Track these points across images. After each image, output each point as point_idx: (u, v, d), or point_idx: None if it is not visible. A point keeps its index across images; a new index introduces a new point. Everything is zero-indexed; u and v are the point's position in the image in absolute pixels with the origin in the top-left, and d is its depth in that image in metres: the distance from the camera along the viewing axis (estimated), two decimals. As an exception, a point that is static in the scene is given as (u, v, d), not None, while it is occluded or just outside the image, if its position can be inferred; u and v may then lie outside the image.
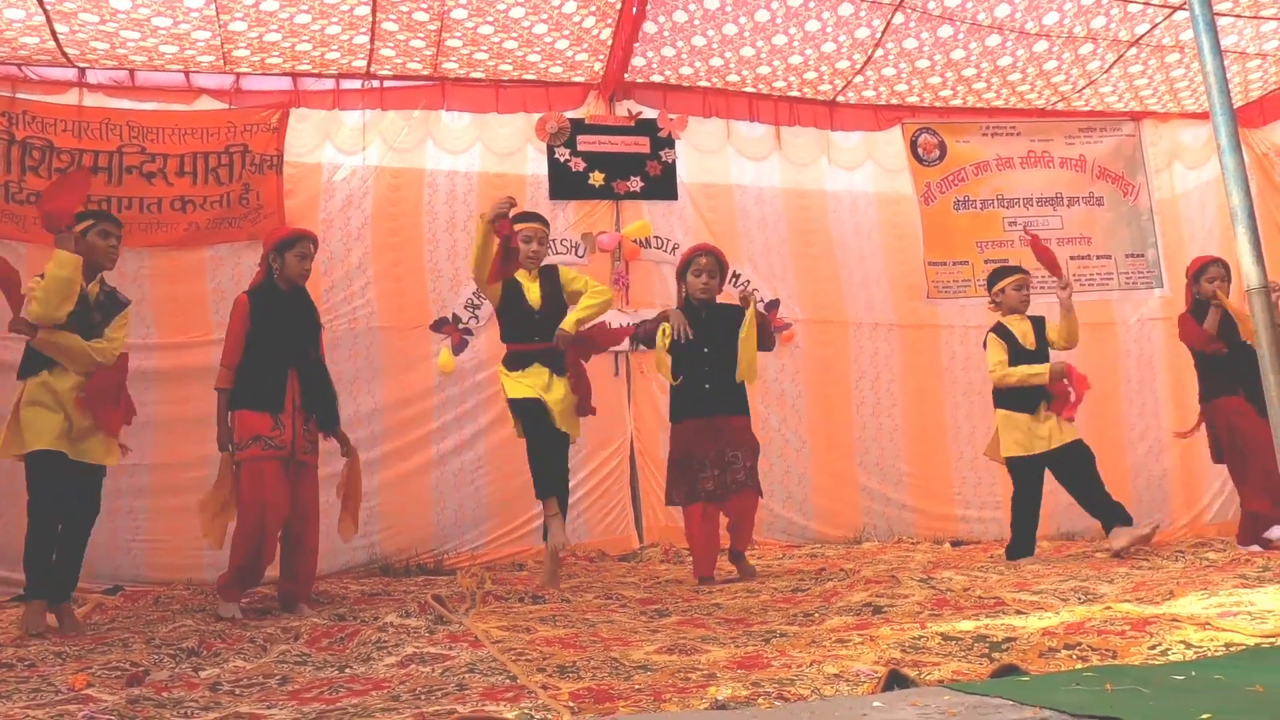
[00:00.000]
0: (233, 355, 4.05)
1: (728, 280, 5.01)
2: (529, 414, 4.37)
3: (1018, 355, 5.11)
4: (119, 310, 3.94)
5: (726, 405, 4.64)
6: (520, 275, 4.47)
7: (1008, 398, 5.15)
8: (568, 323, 4.38)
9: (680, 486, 4.64)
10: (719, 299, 4.82)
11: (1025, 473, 5.11)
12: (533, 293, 4.45)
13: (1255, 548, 4.81)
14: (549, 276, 4.53)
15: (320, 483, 4.27)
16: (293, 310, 4.17)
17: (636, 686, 2.26)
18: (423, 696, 2.25)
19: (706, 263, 4.70)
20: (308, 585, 4.16)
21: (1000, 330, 5.21)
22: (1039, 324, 5.24)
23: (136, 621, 3.81)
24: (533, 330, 4.41)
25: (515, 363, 4.41)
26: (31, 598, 3.65)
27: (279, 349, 4.06)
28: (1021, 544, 5.09)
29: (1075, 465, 5.00)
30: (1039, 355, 5.14)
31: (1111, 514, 4.92)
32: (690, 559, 4.94)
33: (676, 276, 4.91)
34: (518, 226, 4.41)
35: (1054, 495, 5.25)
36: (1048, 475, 5.11)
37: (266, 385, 4.03)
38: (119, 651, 3.04)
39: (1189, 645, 2.35)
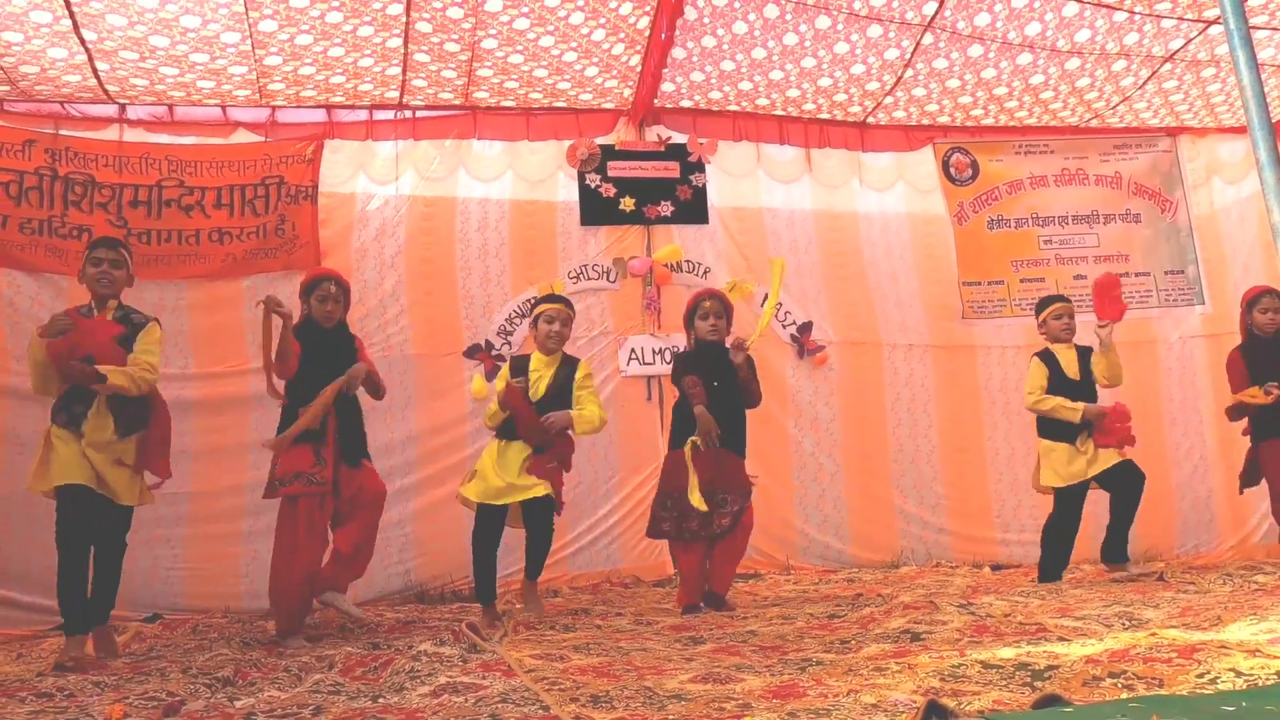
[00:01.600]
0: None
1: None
2: (485, 518, 4.43)
3: (1059, 384, 5.03)
4: (140, 330, 3.91)
5: (726, 441, 4.54)
6: (538, 359, 4.50)
7: (1048, 427, 5.09)
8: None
9: (665, 522, 4.56)
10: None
11: (1065, 500, 5.06)
12: (542, 383, 4.46)
13: None
14: (568, 366, 4.52)
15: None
16: (328, 348, 4.14)
17: (670, 716, 2.23)
18: (455, 727, 2.24)
19: (712, 305, 4.70)
20: (355, 576, 4.17)
21: (1045, 356, 5.15)
22: (1085, 354, 5.15)
23: (174, 650, 3.84)
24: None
25: (504, 432, 4.45)
26: (67, 633, 3.63)
27: (316, 386, 4.04)
28: (1050, 568, 5.04)
29: (1122, 486, 4.93)
30: (1082, 386, 5.05)
31: (1113, 550, 4.95)
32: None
33: (685, 321, 4.87)
34: (541, 307, 4.52)
35: (1095, 518, 5.16)
36: (1090, 499, 5.03)
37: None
38: (156, 681, 3.06)
39: (1238, 673, 2.28)
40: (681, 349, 6.09)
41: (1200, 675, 2.29)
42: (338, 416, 4.05)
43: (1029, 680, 2.41)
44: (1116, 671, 2.36)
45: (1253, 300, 5.16)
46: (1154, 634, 2.95)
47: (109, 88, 5.44)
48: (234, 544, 5.40)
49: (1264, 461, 5.09)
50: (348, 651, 3.36)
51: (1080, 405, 4.96)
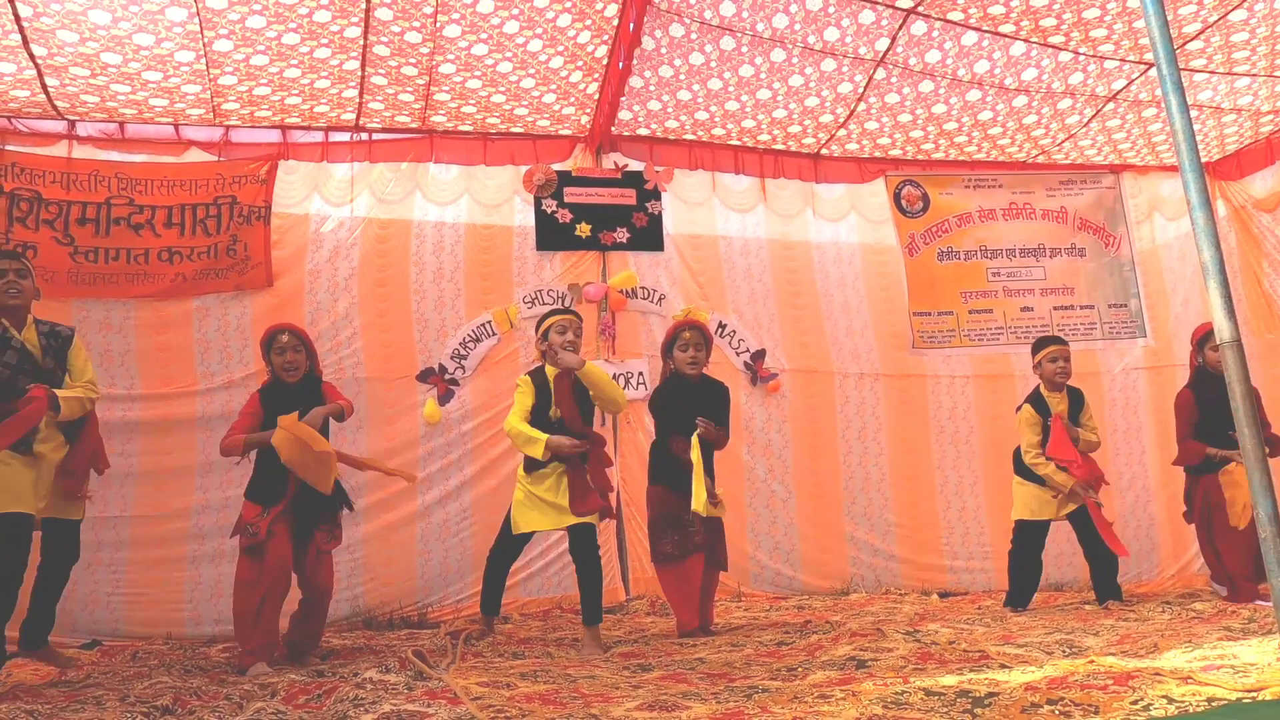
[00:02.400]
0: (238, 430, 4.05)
1: (714, 330, 5.03)
2: (514, 543, 4.55)
3: (1048, 433, 5.09)
4: (68, 345, 3.86)
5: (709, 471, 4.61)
6: (551, 372, 4.41)
7: (1025, 469, 5.19)
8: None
9: (667, 544, 4.57)
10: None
11: (1030, 534, 5.17)
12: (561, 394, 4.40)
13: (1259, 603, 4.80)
14: (578, 383, 4.46)
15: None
16: (297, 400, 4.10)
17: (614, 745, 2.23)
18: (397, 756, 2.22)
19: (692, 336, 4.69)
20: (317, 640, 4.18)
21: (1036, 402, 5.19)
22: (1077, 401, 5.22)
23: (112, 678, 3.75)
24: (552, 430, 4.32)
25: (533, 465, 4.35)
26: None
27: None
28: (1022, 594, 5.14)
29: (1084, 529, 5.08)
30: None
31: (1106, 591, 5.06)
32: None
33: (662, 352, 4.87)
34: (551, 319, 4.46)
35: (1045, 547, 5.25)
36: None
37: (268, 480, 3.99)
38: (92, 710, 2.99)
39: (1171, 700, 2.34)
40: (641, 374, 6.14)
41: (1134, 702, 2.34)
42: (298, 482, 3.99)
43: (970, 708, 2.44)
44: (1055, 698, 2.41)
45: (1203, 338, 5.19)
46: (1092, 661, 3.01)
47: (58, 104, 5.37)
48: (178, 569, 5.30)
49: (1196, 489, 5.22)
50: (290, 679, 3.31)
51: (1068, 480, 5.00)
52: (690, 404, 4.65)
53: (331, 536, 4.11)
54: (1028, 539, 5.16)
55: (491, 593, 4.67)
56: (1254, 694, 2.34)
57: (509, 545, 4.58)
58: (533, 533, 4.49)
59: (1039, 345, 5.32)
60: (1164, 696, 2.37)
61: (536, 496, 4.33)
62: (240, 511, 4.06)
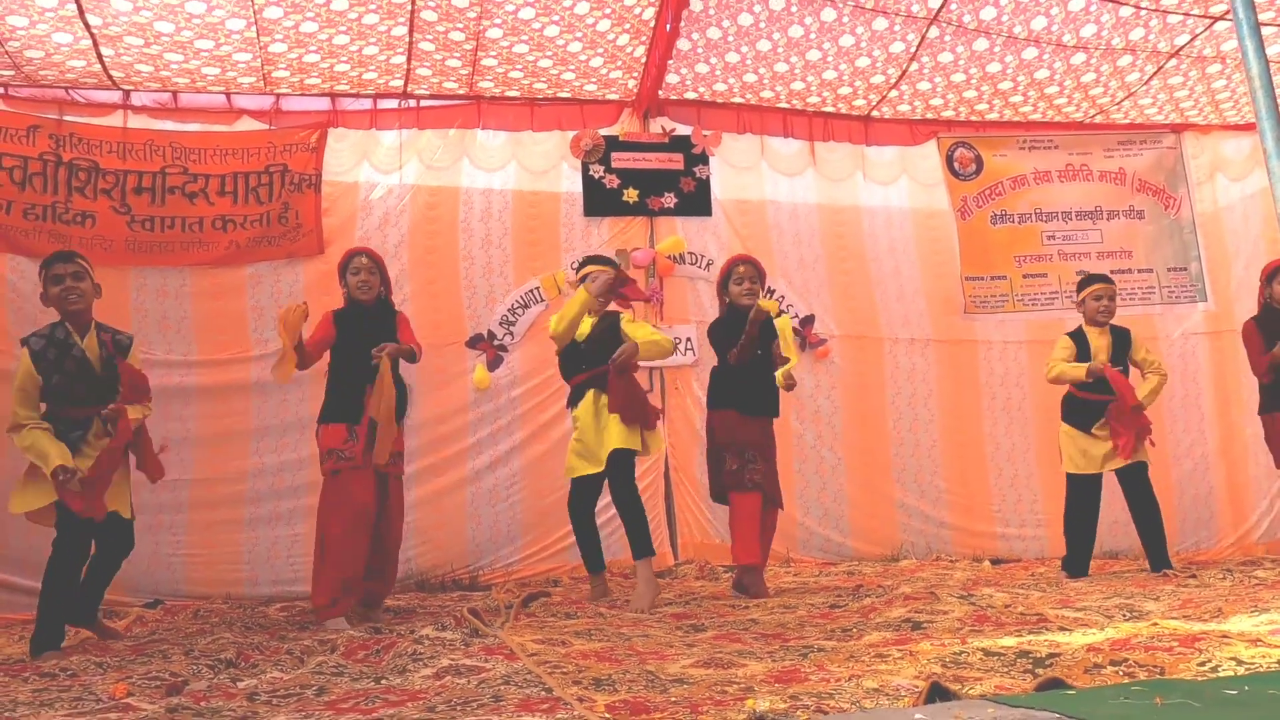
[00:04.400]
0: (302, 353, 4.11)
1: (764, 294, 5.02)
2: (579, 490, 4.58)
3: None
4: (124, 354, 3.81)
5: (758, 404, 4.71)
6: (586, 318, 4.53)
7: (1068, 413, 5.09)
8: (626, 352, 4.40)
9: (732, 469, 4.60)
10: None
11: (1081, 489, 5.03)
12: (584, 327, 4.49)
13: None
14: (608, 318, 4.55)
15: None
16: (369, 324, 4.19)
17: (673, 699, 2.24)
18: (458, 708, 2.24)
19: (746, 270, 4.77)
20: (391, 584, 4.29)
21: (1076, 335, 5.14)
22: (1122, 339, 5.10)
23: (175, 634, 3.85)
24: (580, 360, 4.50)
25: (573, 399, 4.55)
26: (35, 653, 3.49)
27: (359, 362, 4.07)
28: (1078, 559, 5.01)
29: (1133, 492, 4.96)
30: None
31: (1157, 561, 4.89)
32: (728, 574, 4.91)
33: (718, 288, 4.92)
34: (588, 269, 4.58)
35: (1107, 506, 5.15)
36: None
37: (346, 399, 4.06)
38: (158, 662, 3.06)
39: (1240, 662, 2.29)
40: (689, 339, 6.12)
41: (1202, 664, 2.30)
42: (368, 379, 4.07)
43: (1030, 667, 2.41)
44: (1118, 659, 2.37)
45: (1273, 273, 5.08)
46: (1155, 624, 2.96)
47: (114, 74, 5.44)
48: (235, 531, 5.41)
49: (1268, 435, 5.08)
50: (350, 636, 3.36)
51: (1083, 366, 4.94)
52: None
53: (395, 460, 4.16)
54: (1080, 493, 5.03)
55: (587, 549, 4.67)
56: (1327, 655, 2.28)
57: (575, 495, 4.63)
58: (594, 479, 4.51)
59: (1084, 283, 5.21)
60: (1232, 659, 2.32)
61: (579, 442, 4.47)
62: (319, 438, 4.10)
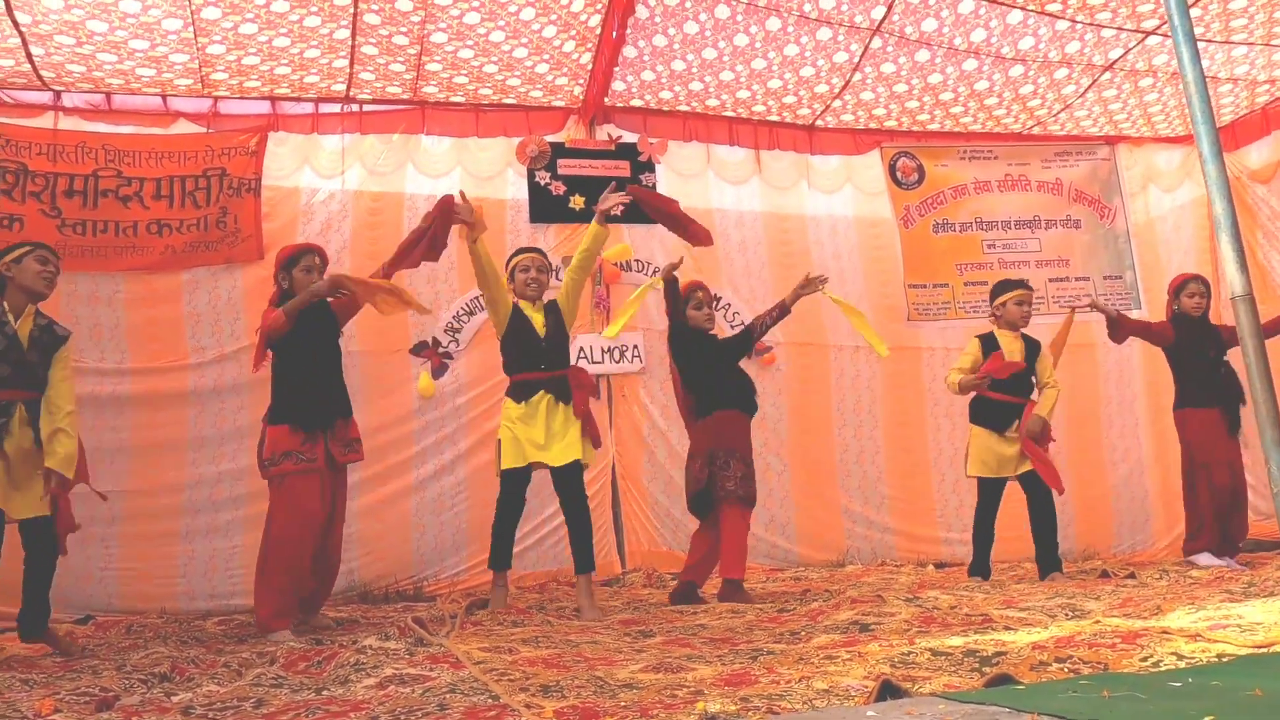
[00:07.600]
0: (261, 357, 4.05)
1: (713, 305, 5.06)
2: (511, 484, 4.38)
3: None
4: (59, 345, 3.71)
5: (734, 400, 4.74)
6: (524, 305, 4.47)
7: (976, 412, 5.09)
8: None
9: (736, 477, 4.58)
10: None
11: (988, 492, 5.04)
12: (538, 321, 4.44)
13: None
14: (553, 310, 4.51)
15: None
16: (315, 322, 4.09)
17: (622, 704, 2.21)
18: (402, 717, 2.19)
19: (705, 295, 4.87)
20: (330, 586, 4.17)
21: (986, 340, 5.11)
22: (1032, 348, 5.08)
23: (107, 649, 3.72)
24: (539, 359, 4.38)
25: (520, 393, 4.37)
26: None
27: (303, 360, 3.99)
28: (979, 562, 5.04)
29: (1033, 495, 4.93)
30: (1020, 378, 5.01)
31: (1047, 564, 4.90)
32: (674, 581, 4.89)
33: (668, 299, 4.85)
34: (517, 259, 4.54)
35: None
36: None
37: (296, 398, 3.96)
38: (88, 678, 2.95)
39: (1180, 656, 2.32)
40: (636, 346, 6.10)
41: (1144, 659, 2.33)
42: (321, 377, 4.04)
43: (977, 666, 2.42)
44: (1063, 656, 2.39)
45: (1180, 286, 5.28)
46: (1097, 622, 3.00)
47: (44, 74, 5.28)
48: (171, 543, 5.26)
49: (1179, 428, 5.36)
50: (289, 647, 3.27)
51: (972, 378, 4.95)
52: (714, 350, 4.79)
53: (345, 450, 4.07)
54: (987, 496, 5.01)
55: (503, 544, 4.43)
56: (1264, 649, 2.33)
57: (511, 489, 4.42)
58: (528, 472, 4.38)
59: (1006, 287, 5.15)
60: (1173, 653, 2.35)
61: (518, 433, 4.32)
62: (265, 441, 3.95)
